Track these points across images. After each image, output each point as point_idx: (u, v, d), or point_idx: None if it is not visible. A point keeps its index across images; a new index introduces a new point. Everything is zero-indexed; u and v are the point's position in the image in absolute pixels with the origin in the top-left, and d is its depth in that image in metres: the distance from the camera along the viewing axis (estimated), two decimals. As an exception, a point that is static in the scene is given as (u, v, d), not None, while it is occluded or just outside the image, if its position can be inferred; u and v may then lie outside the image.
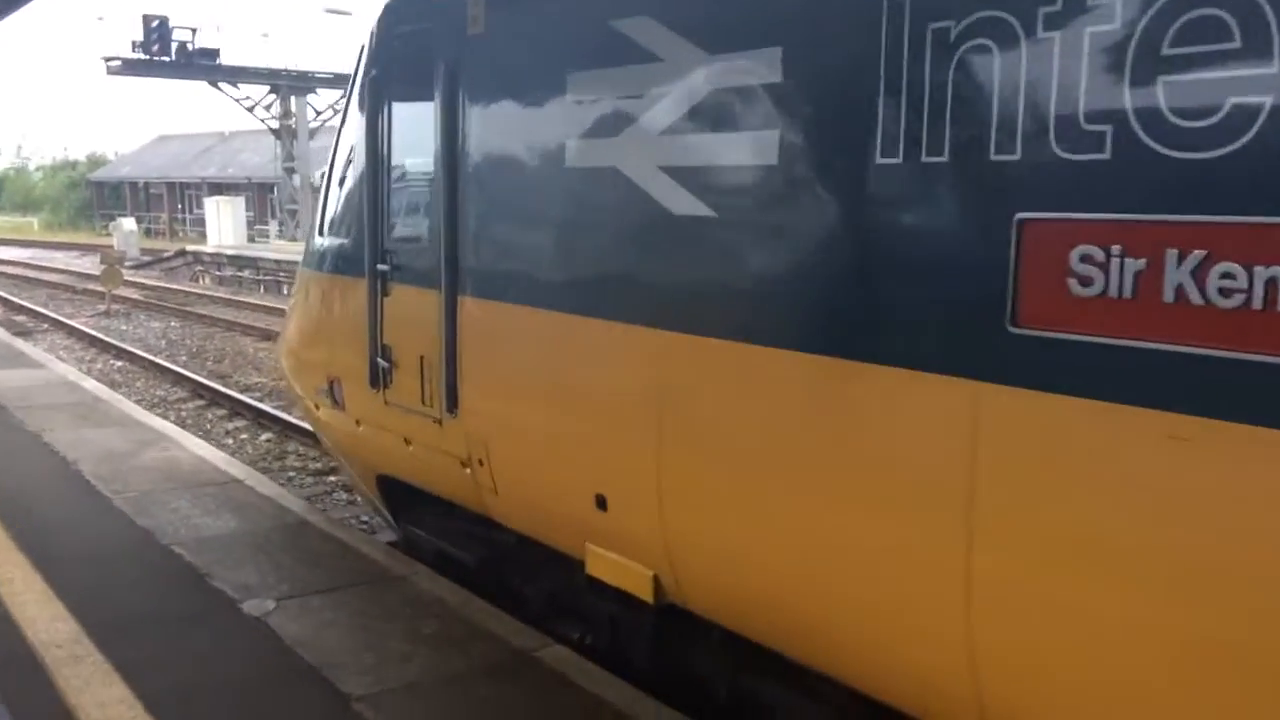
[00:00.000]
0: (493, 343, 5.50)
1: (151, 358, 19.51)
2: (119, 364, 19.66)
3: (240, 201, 49.73)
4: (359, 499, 9.74)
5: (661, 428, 4.43)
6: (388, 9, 6.39)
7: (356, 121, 6.72)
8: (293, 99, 46.51)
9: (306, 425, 13.49)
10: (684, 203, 4.25)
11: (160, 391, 16.83)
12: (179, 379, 17.47)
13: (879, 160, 3.48)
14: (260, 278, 36.69)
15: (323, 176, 7.59)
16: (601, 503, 4.87)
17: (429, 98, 5.84)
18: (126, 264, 38.09)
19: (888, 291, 3.51)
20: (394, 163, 6.37)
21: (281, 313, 26.39)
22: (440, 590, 6.23)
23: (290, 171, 47.33)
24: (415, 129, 6.17)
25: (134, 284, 33.77)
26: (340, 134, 7.19)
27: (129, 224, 50.74)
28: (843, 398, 3.67)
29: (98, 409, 11.57)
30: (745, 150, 3.98)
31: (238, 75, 44.92)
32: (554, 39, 4.99)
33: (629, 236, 4.58)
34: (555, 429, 5.14)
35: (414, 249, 6.18)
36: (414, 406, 6.19)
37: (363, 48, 6.73)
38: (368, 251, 6.41)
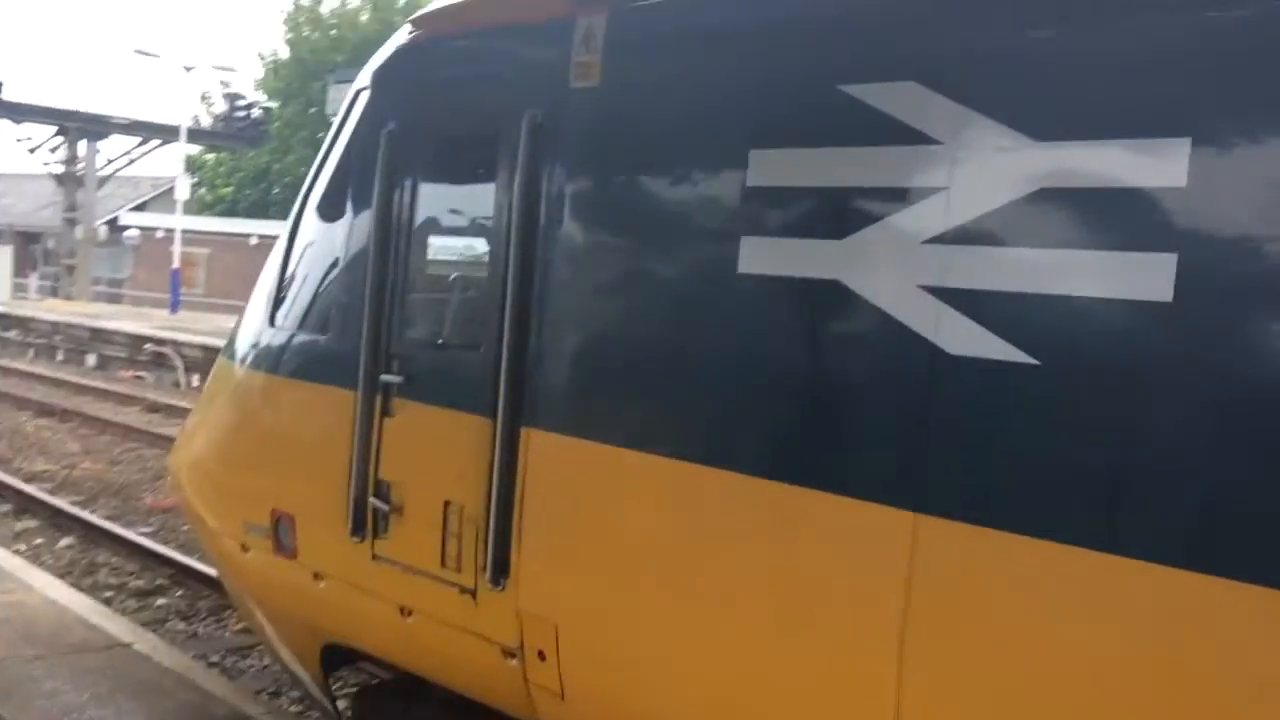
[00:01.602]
0: (582, 497, 4.06)
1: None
2: None
3: (8, 251, 44.79)
4: (272, 663, 7.67)
5: (909, 638, 3.14)
6: (417, 47, 4.93)
7: (351, 184, 5.18)
8: (81, 143, 42.55)
9: (120, 530, 11.36)
10: (976, 341, 3.03)
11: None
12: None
13: None
14: (31, 340, 32.55)
15: (290, 240, 5.92)
16: None
17: (491, 163, 4.43)
18: None
19: None
20: (417, 242, 4.87)
21: (61, 383, 23.29)
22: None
23: (72, 222, 43.06)
24: (461, 201, 4.75)
25: None
26: (313, 194, 5.58)
27: None
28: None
29: None
30: (1112, 277, 2.81)
31: (21, 112, 40.76)
32: (726, 101, 3.72)
33: (863, 379, 3.31)
34: (696, 633, 3.73)
35: (446, 358, 4.68)
36: (426, 568, 4.62)
37: (362, 92, 5.23)
38: (364, 355, 4.84)
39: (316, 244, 5.50)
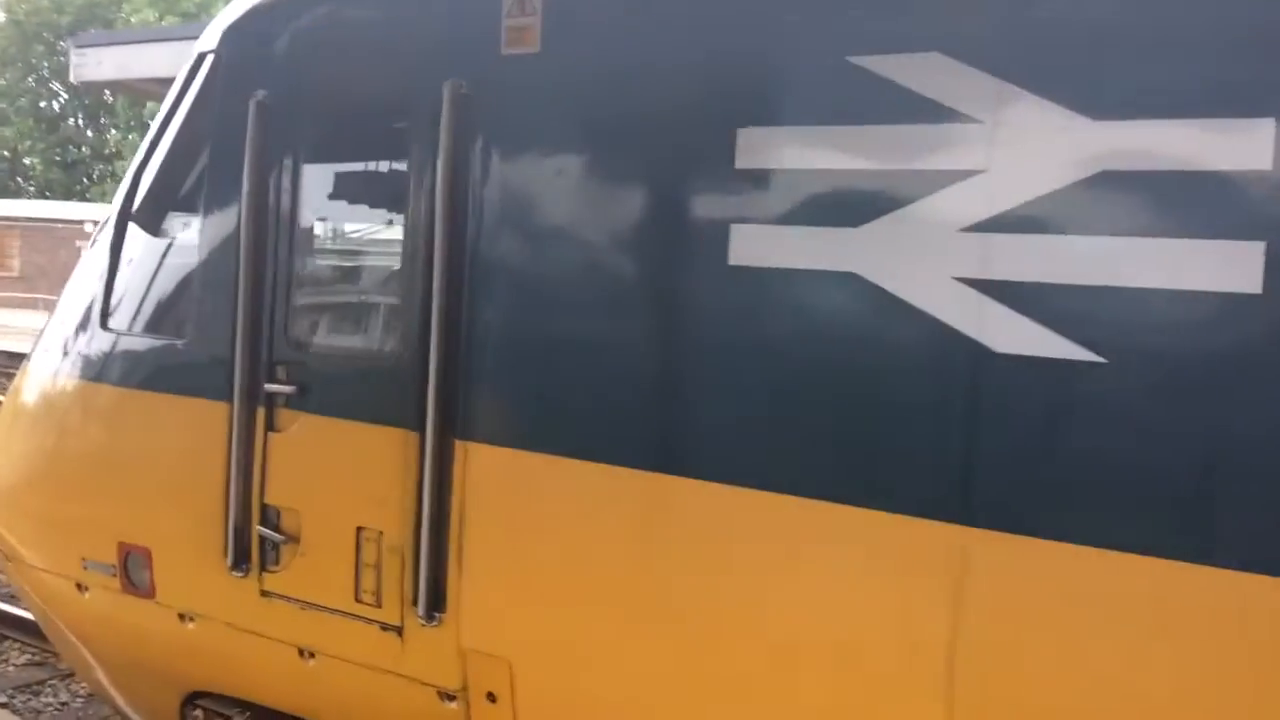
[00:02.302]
0: (540, 517, 3.59)
1: None
2: None
3: None
4: None
5: (957, 688, 2.90)
6: (293, 2, 4.24)
7: (207, 163, 4.44)
8: None
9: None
10: (1025, 337, 2.80)
11: None
12: None
13: None
14: None
15: (96, 225, 5.05)
16: None
17: (401, 139, 3.87)
18: None
19: None
20: (303, 230, 4.21)
21: None
22: None
23: None
24: (361, 184, 4.14)
25: None
26: (147, 176, 4.76)
27: None
28: None
29: None
30: (1190, 267, 2.64)
31: None
32: (707, 73, 3.33)
33: (887, 380, 3.02)
34: (682, 668, 3.35)
35: (351, 365, 4.08)
36: (334, 603, 4.03)
37: (208, 55, 4.48)
38: (239, 362, 4.16)
39: (160, 234, 4.72)
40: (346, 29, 4.06)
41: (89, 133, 57.10)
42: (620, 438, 3.42)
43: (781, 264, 3.15)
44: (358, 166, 4.19)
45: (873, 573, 3.02)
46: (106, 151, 54.61)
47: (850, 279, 3.03)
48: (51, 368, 5.00)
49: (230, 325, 4.21)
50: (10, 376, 21.16)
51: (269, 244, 4.16)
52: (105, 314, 4.76)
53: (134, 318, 4.71)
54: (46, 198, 52.46)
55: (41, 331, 5.32)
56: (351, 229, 4.35)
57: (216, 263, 4.33)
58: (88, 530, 4.74)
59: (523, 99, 3.63)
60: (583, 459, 3.45)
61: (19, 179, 56.84)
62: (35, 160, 55.33)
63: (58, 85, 55.97)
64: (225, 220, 4.30)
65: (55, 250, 44.17)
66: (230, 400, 4.22)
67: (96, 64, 18.46)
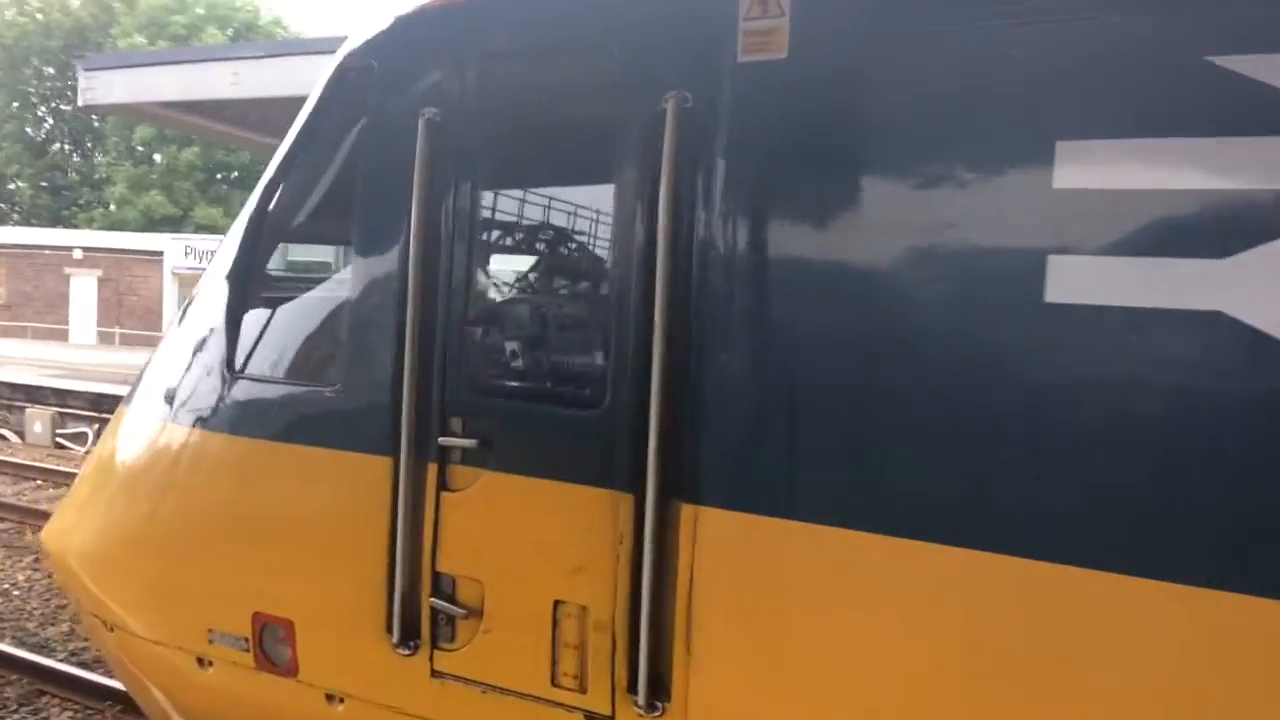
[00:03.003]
0: (801, 595, 3.10)
1: None
2: None
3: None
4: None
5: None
6: (467, 8, 3.77)
7: (361, 189, 3.95)
8: None
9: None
10: None
11: None
12: None
13: None
14: None
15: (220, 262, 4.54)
16: None
17: (608, 161, 3.41)
18: None
19: None
20: (486, 262, 3.73)
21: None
22: None
23: None
24: (558, 209, 3.67)
25: None
26: (283, 205, 4.28)
27: None
28: None
29: None
30: None
31: None
32: (1018, 79, 2.87)
33: (1271, 444, 2.56)
34: None
35: (546, 413, 3.58)
36: (526, 686, 3.53)
37: (353, 73, 4.00)
38: (407, 410, 3.67)
39: (305, 269, 4.23)
40: (539, 36, 3.59)
41: (75, 157, 56.43)
42: (913, 505, 2.94)
43: (1117, 301, 2.70)
44: (552, 192, 3.71)
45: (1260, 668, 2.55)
46: (95, 177, 53.95)
47: (1215, 319, 2.59)
48: (160, 417, 4.49)
49: (394, 371, 3.73)
50: (9, 409, 20.54)
51: (441, 278, 3.68)
52: (232, 358, 4.26)
53: (271, 362, 4.21)
54: (32, 224, 51.72)
55: (141, 375, 4.82)
56: (543, 261, 3.87)
57: (375, 299, 3.84)
58: (216, 599, 4.23)
59: (766, 113, 3.18)
60: (864, 530, 2.98)
61: (4, 204, 56.04)
62: (23, 185, 54.60)
63: (43, 110, 55.32)
64: (386, 251, 3.82)
65: (41, 277, 43.51)
66: (395, 455, 3.73)
67: (107, 87, 17.97)
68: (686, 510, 3.24)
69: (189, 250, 24.30)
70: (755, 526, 3.14)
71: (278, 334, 4.25)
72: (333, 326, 4.07)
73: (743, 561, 3.17)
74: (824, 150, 3.10)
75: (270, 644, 4.09)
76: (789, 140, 3.14)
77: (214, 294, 4.45)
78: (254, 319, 4.30)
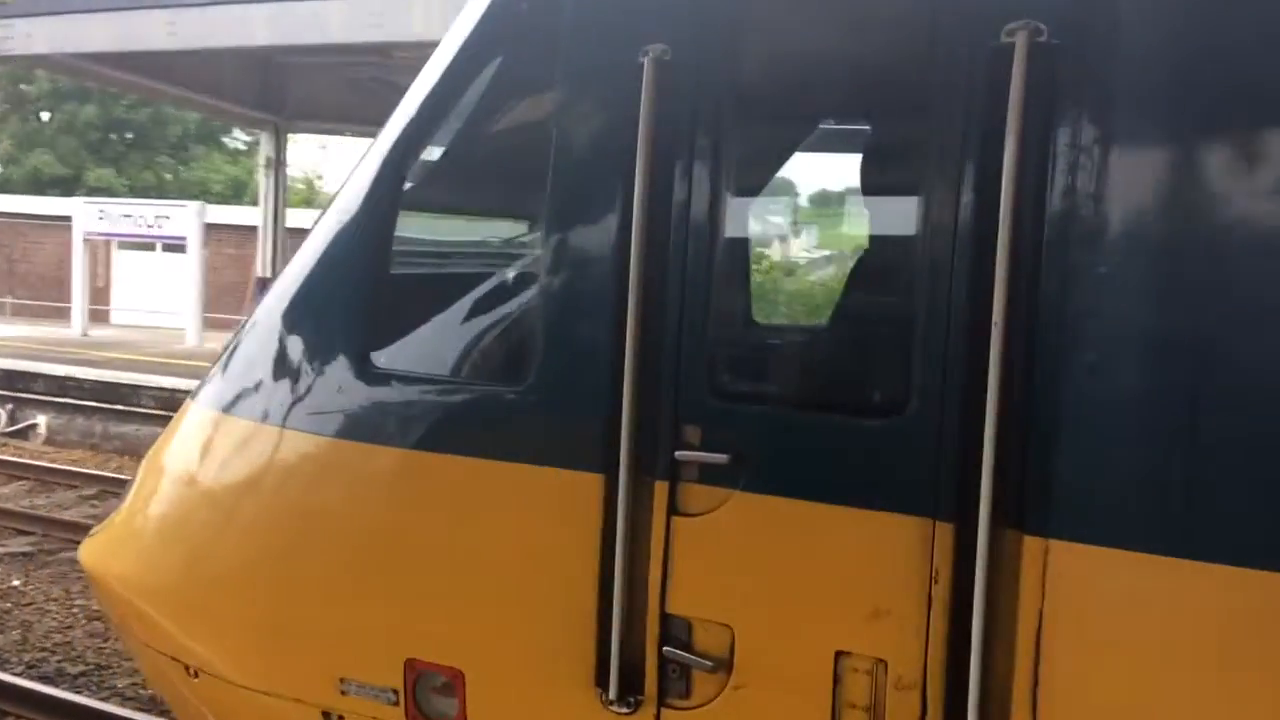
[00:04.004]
0: (1210, 655, 2.51)
1: None
2: None
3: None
4: None
5: None
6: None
7: (558, 138, 3.21)
8: None
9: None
10: None
11: None
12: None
13: None
14: None
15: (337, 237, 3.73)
16: None
17: (919, 102, 2.77)
18: None
19: None
20: (732, 233, 3.06)
21: None
22: None
23: None
24: (831, 169, 2.99)
25: None
26: (419, 162, 3.51)
27: None
28: None
29: None
30: None
31: None
32: None
33: None
34: None
35: (823, 422, 2.92)
36: (795, 756, 2.90)
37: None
38: (629, 417, 2.99)
39: (465, 241, 3.48)
40: None
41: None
42: None
43: None
44: (831, 147, 3.04)
45: None
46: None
47: None
48: (258, 420, 3.70)
49: (608, 368, 3.04)
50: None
51: (673, 254, 3.00)
52: (366, 350, 3.50)
53: (424, 356, 3.47)
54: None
55: (220, 366, 4.01)
56: (816, 232, 3.20)
57: (580, 280, 3.13)
58: (352, 643, 3.48)
59: (1153, 46, 2.56)
60: None
61: None
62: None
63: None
64: (595, 222, 3.10)
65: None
66: (607, 472, 3.04)
67: (25, 37, 16.47)
68: (1031, 544, 2.63)
69: (103, 215, 22.69)
70: (1140, 568, 2.54)
71: (432, 322, 3.50)
72: (516, 313, 3.34)
73: (1118, 611, 2.57)
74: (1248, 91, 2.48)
75: (427, 697, 3.37)
76: (1188, 79, 2.53)
77: (328, 272, 3.66)
78: (392, 303, 3.54)
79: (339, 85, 20.60)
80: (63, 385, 16.85)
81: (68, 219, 36.64)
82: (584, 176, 3.15)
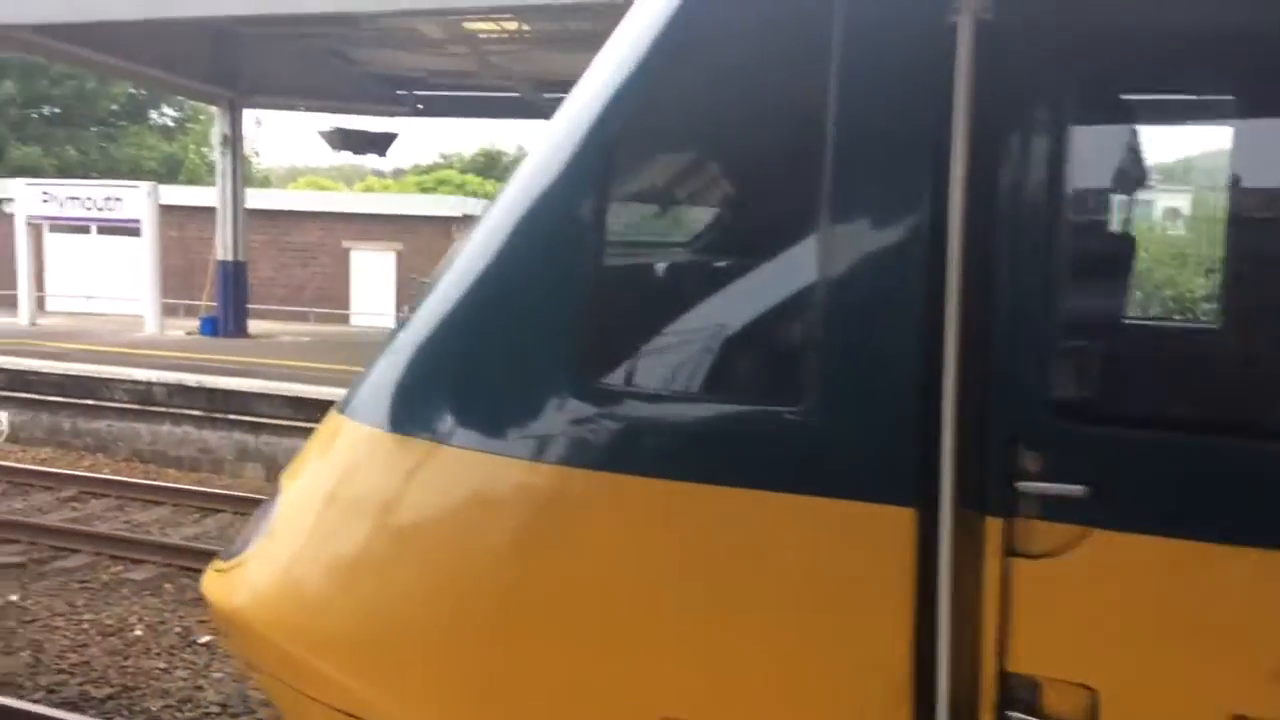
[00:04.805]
0: None
1: None
2: None
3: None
4: None
5: None
6: None
7: (839, 114, 2.71)
8: None
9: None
10: None
11: None
12: None
13: None
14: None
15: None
16: None
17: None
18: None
19: None
20: (1080, 221, 2.64)
21: None
22: None
23: None
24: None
25: None
26: (641, 129, 3.02)
27: None
28: None
29: None
30: None
31: None
32: None
33: None
34: None
35: (1234, 450, 2.50)
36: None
37: None
38: (950, 443, 2.54)
39: (704, 233, 3.01)
40: None
41: None
42: None
43: None
44: (1203, 118, 2.61)
45: None
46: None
47: None
48: (445, 440, 3.19)
49: (918, 381, 2.60)
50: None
51: (1003, 249, 2.56)
52: (587, 361, 3.01)
53: (666, 369, 2.98)
54: None
55: (368, 380, 3.49)
56: (1213, 215, 2.77)
57: (879, 281, 2.67)
58: (589, 701, 3.00)
59: None
60: None
61: None
62: None
63: None
64: (889, 209, 2.65)
65: None
66: (924, 505, 2.61)
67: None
68: None
69: (48, 197, 21.53)
70: None
71: (673, 329, 3.01)
72: (788, 317, 2.87)
73: None
74: None
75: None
76: None
77: (523, 269, 3.16)
78: (616, 306, 3.06)
79: (292, 58, 19.76)
80: (25, 380, 15.91)
81: (-6, 201, 35.27)
82: (878, 156, 2.69)
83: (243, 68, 20.43)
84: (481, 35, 18.13)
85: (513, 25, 17.46)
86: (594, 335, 3.02)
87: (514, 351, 3.14)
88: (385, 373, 3.42)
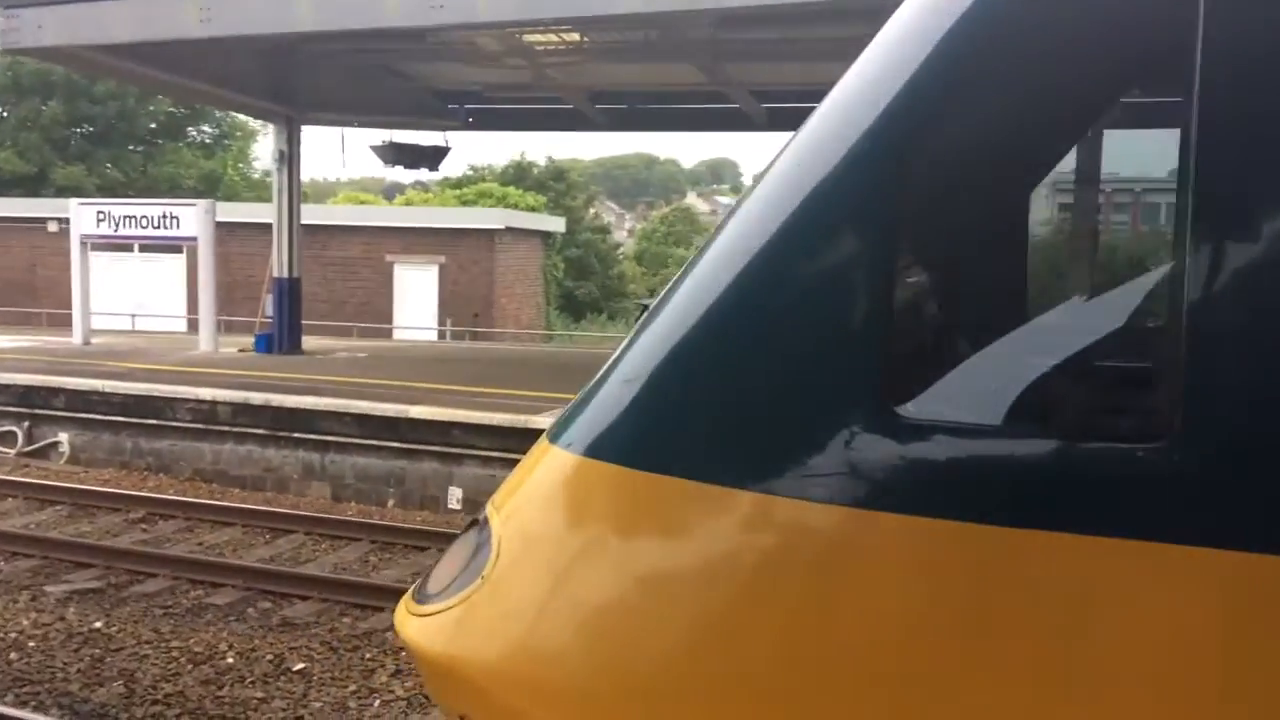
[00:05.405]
0: None
1: None
2: None
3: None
4: None
5: None
6: None
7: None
8: None
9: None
10: None
11: None
12: None
13: None
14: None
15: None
16: None
17: None
18: None
19: None
20: None
21: None
22: None
23: None
24: None
25: None
26: (945, 146, 2.67)
27: None
28: None
29: None
30: None
31: None
32: None
33: None
34: None
35: None
36: None
37: None
38: None
39: (1015, 248, 2.65)
40: None
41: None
42: None
43: None
44: None
45: None
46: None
47: None
48: (699, 477, 2.82)
49: None
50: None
51: None
52: (885, 391, 2.65)
53: (986, 401, 2.62)
54: None
55: (592, 408, 3.13)
56: None
57: (1263, 292, 2.31)
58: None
59: None
60: None
61: None
62: None
63: None
64: None
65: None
66: None
67: (34, 28, 15.24)
68: None
69: (103, 216, 21.43)
70: None
71: (992, 354, 2.65)
72: (1145, 342, 2.51)
73: None
74: None
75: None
76: None
77: (793, 286, 2.80)
78: (920, 330, 2.70)
79: (347, 74, 19.61)
80: (87, 400, 15.72)
81: (39, 221, 35.25)
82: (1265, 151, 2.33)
83: (300, 84, 20.29)
84: (539, 47, 17.90)
85: (573, 37, 17.22)
86: (894, 364, 2.67)
87: (794, 379, 2.78)
88: (621, 403, 3.05)
